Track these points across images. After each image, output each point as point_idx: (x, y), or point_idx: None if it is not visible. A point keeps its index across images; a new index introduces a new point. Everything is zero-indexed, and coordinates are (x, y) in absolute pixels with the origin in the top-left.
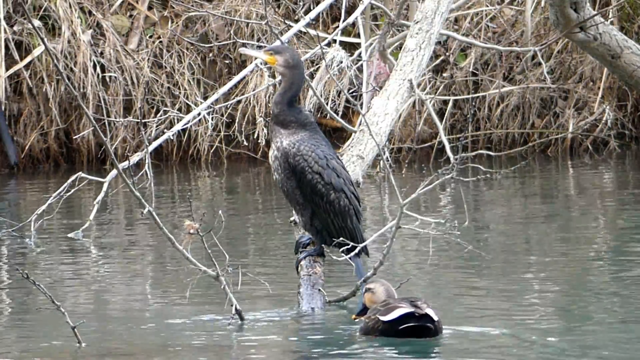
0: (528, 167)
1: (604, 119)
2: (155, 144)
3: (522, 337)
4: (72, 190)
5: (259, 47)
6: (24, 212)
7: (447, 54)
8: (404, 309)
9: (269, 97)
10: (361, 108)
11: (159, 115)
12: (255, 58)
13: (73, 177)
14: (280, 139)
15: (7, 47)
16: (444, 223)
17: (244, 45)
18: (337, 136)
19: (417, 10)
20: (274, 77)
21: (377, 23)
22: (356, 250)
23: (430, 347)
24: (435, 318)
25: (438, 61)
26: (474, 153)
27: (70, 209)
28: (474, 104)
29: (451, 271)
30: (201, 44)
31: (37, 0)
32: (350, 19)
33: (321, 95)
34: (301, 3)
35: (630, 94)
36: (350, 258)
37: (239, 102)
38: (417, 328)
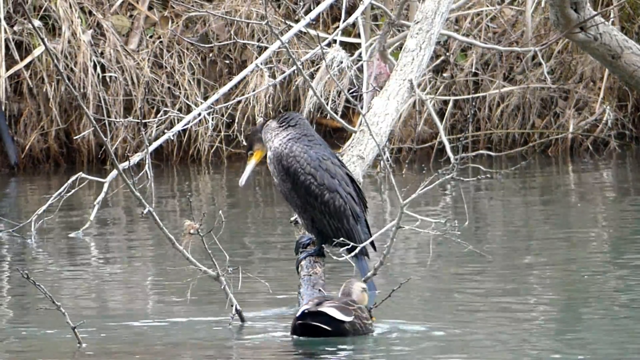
0: (528, 167)
1: (604, 119)
2: (155, 144)
3: (520, 336)
4: (73, 191)
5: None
6: (24, 212)
7: (448, 54)
8: (304, 307)
9: (269, 97)
10: (361, 108)
11: (159, 115)
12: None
13: (73, 178)
14: (272, 136)
15: (7, 47)
16: (444, 223)
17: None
18: (337, 136)
19: (418, 11)
20: (274, 77)
21: (377, 23)
22: (356, 251)
23: (429, 347)
24: (341, 318)
25: (438, 61)
26: (474, 153)
27: (70, 209)
28: (474, 104)
29: (451, 271)
30: (201, 44)
31: (37, 0)
32: (351, 19)
33: (321, 96)
34: (301, 3)
35: (631, 94)
36: (351, 258)
37: (239, 102)
38: (307, 326)
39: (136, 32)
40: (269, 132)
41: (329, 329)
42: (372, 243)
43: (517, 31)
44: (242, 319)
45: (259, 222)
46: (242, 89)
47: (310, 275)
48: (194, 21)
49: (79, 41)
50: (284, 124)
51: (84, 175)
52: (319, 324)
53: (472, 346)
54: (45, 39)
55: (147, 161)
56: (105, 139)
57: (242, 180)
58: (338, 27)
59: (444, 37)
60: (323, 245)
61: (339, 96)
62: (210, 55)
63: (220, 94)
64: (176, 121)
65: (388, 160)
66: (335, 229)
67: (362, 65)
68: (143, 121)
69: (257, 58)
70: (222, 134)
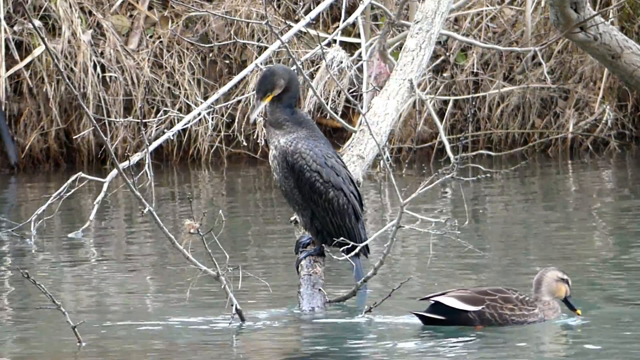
0: (528, 167)
1: (604, 119)
2: (155, 144)
3: (520, 334)
4: (72, 191)
5: (256, 94)
6: (24, 212)
7: (447, 54)
8: (433, 295)
9: None
10: (361, 108)
11: (159, 115)
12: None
13: (73, 177)
14: (277, 138)
15: (7, 47)
16: (444, 223)
17: (252, 108)
18: (338, 136)
19: (417, 10)
20: None
21: (377, 23)
22: (356, 250)
23: (429, 345)
24: (461, 307)
25: (438, 61)
26: (474, 153)
27: (70, 209)
28: (474, 104)
29: (451, 271)
30: (201, 44)
31: (37, 0)
32: (351, 19)
33: (321, 95)
34: (301, 3)
35: (631, 94)
36: (350, 258)
37: (239, 102)
38: (424, 317)
39: (136, 32)
40: (273, 134)
41: (443, 318)
42: (366, 246)
43: (517, 31)
44: (242, 319)
45: (259, 222)
46: (242, 89)
47: (310, 274)
48: (194, 21)
49: (79, 41)
50: (294, 125)
51: (83, 175)
52: (432, 315)
53: (472, 344)
54: (46, 39)
55: (147, 161)
56: (105, 138)
57: (254, 114)
58: (338, 27)
59: (444, 37)
60: (323, 244)
61: (339, 96)
62: (210, 55)
63: (220, 93)
64: (176, 121)
65: (388, 160)
66: (337, 226)
67: (362, 65)
68: (143, 121)
69: (257, 58)
70: (222, 134)
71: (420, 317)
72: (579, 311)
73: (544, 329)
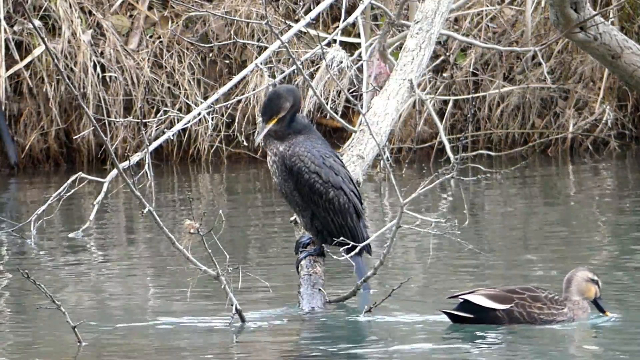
0: (528, 167)
1: (604, 119)
2: (155, 143)
3: (521, 334)
4: (72, 191)
5: (262, 116)
6: (24, 212)
7: (447, 54)
8: (461, 294)
9: None
10: (361, 108)
11: (159, 115)
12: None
13: (73, 177)
14: (276, 145)
15: (7, 47)
16: (444, 222)
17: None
18: (337, 136)
19: (417, 10)
20: (274, 77)
21: (377, 23)
22: (357, 250)
23: (430, 344)
24: (488, 305)
25: (438, 61)
26: (474, 153)
27: (70, 209)
28: (474, 104)
29: (451, 271)
30: (201, 44)
31: (37, 0)
32: (351, 19)
33: (321, 95)
34: (301, 3)
35: (631, 94)
36: (350, 257)
37: (239, 102)
38: (452, 315)
39: (136, 32)
40: (272, 143)
41: (471, 316)
42: (369, 246)
43: (517, 31)
44: (242, 319)
45: (259, 221)
46: (242, 88)
47: (310, 274)
48: (194, 21)
49: (79, 41)
50: (295, 135)
51: (83, 175)
52: (460, 313)
53: (473, 343)
54: (46, 39)
55: (147, 161)
56: (105, 138)
57: (259, 137)
58: (338, 27)
59: (444, 37)
60: (323, 244)
61: (339, 96)
62: (210, 55)
63: (220, 93)
64: (176, 121)
65: (388, 160)
66: (339, 226)
67: (362, 65)
68: (143, 121)
69: (257, 58)
70: (222, 133)
71: (449, 315)
72: (608, 313)
73: (572, 328)
